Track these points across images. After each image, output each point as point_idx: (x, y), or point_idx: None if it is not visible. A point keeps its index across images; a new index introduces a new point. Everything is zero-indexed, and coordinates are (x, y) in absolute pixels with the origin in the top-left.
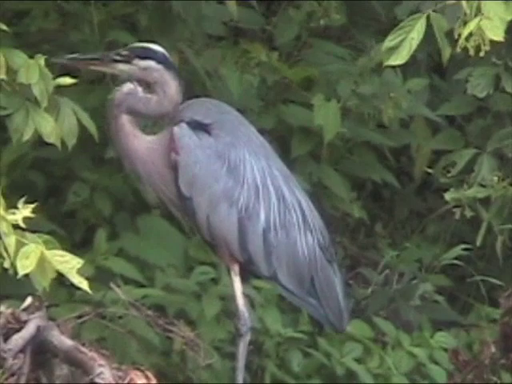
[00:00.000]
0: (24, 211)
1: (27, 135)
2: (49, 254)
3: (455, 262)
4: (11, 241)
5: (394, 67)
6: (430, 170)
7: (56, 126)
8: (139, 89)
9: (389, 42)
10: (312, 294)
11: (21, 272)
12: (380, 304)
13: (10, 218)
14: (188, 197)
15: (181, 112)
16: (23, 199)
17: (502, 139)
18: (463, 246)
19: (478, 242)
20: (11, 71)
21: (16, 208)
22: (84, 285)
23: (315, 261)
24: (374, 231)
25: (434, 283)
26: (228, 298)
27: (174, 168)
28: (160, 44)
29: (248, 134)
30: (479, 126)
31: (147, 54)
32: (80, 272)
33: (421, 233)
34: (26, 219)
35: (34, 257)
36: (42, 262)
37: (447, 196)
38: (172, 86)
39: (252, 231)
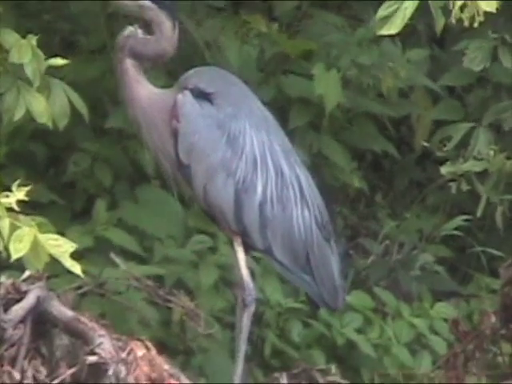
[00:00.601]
0: (18, 194)
1: (18, 115)
2: (42, 237)
3: (455, 232)
4: (5, 224)
5: (393, 37)
6: (426, 144)
7: (47, 106)
8: (139, 31)
9: (382, 11)
10: (307, 270)
11: (14, 255)
12: (380, 274)
13: (4, 200)
14: (186, 164)
15: (186, 78)
16: (17, 182)
17: (498, 112)
18: (463, 216)
19: (479, 213)
20: (3, 50)
21: (10, 189)
22: (77, 269)
23: (311, 237)
24: (374, 201)
25: (433, 253)
26: (226, 268)
27: (174, 135)
28: None
29: (251, 107)
30: (479, 97)
31: None
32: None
33: (421, 203)
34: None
35: (28, 240)
36: (35, 245)
37: (443, 170)
38: (167, 25)
39: (248, 203)
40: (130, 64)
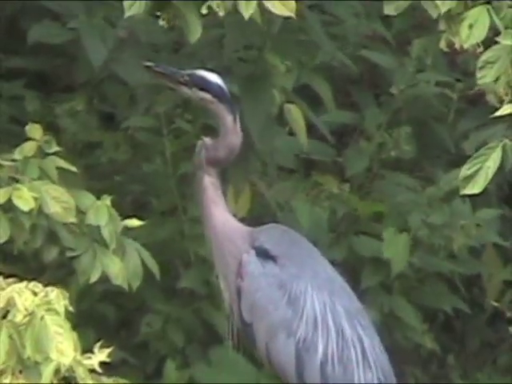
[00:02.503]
0: (100, 355)
1: (94, 277)
2: None
3: None
4: None
5: (463, 197)
6: (495, 304)
7: (123, 267)
8: (207, 139)
9: (465, 170)
10: None
11: None
12: None
13: (86, 362)
14: (249, 323)
15: (256, 234)
16: (99, 343)
17: None
18: None
19: None
20: (79, 212)
21: (90, 351)
22: None
23: None
24: (446, 362)
25: None
26: None
27: (238, 293)
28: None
29: (315, 268)
30: None
31: (203, 85)
32: None
33: (493, 364)
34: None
35: None
36: None
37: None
38: (228, 119)
39: (309, 363)
40: (208, 182)
